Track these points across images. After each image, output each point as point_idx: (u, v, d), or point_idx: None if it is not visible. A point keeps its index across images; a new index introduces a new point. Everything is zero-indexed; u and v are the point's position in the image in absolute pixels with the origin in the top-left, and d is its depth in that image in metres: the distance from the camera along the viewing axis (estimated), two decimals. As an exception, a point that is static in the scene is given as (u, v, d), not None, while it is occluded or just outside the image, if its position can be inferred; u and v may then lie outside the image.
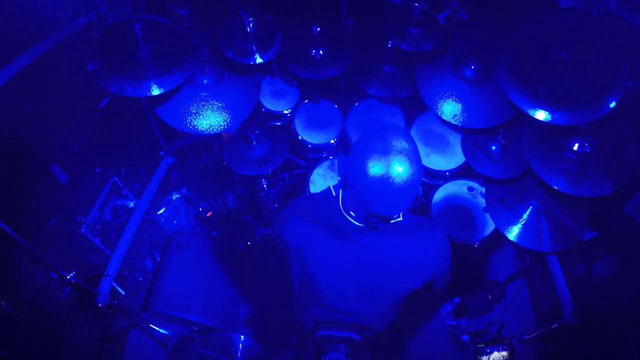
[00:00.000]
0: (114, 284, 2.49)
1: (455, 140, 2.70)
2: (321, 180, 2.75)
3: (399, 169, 1.24)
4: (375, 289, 1.64)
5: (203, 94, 2.47)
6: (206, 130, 2.44)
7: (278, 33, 2.49)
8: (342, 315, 1.78)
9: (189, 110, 2.44)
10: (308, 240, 1.59)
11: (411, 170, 1.25)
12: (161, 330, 2.84)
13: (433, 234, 1.59)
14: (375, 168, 1.25)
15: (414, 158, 1.27)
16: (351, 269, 1.58)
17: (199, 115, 2.45)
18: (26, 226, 2.26)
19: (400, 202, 1.32)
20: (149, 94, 2.13)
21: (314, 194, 1.71)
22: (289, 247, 1.63)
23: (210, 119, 2.46)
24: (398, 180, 1.25)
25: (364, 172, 1.27)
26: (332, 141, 2.80)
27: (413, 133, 2.77)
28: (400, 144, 1.26)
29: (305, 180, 2.82)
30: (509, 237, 2.37)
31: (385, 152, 1.25)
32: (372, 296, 1.68)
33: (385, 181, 1.24)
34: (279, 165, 2.64)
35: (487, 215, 2.52)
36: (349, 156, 1.35)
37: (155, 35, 2.25)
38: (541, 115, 2.02)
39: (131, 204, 3.12)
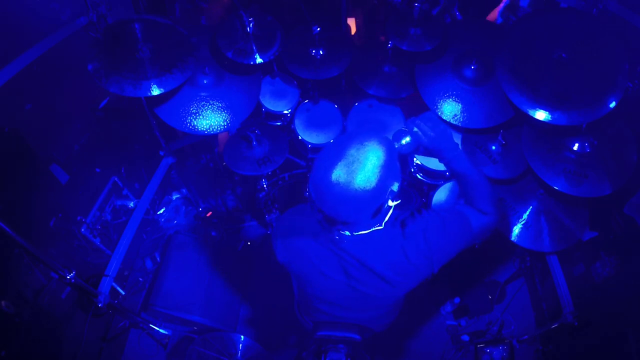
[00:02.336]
0: (114, 284, 2.48)
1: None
2: (321, 180, 2.75)
3: (342, 176, 1.20)
4: (370, 298, 1.62)
5: (203, 94, 2.47)
6: (206, 130, 2.45)
7: (278, 33, 2.49)
8: (341, 320, 1.78)
9: (189, 110, 2.44)
10: (297, 256, 1.58)
11: (357, 181, 1.20)
12: (161, 330, 2.84)
13: (422, 220, 1.49)
14: (323, 167, 1.24)
15: (370, 172, 1.21)
16: (342, 283, 1.56)
17: (199, 115, 2.45)
18: (26, 226, 2.26)
19: (345, 208, 1.26)
20: (149, 94, 2.13)
21: (302, 206, 1.68)
22: (282, 264, 1.64)
23: (210, 119, 2.46)
24: (338, 186, 1.21)
25: (316, 167, 1.27)
26: (332, 141, 2.80)
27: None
28: (359, 153, 1.22)
29: (305, 180, 2.82)
30: (509, 237, 2.37)
31: (338, 156, 1.22)
32: (368, 305, 1.67)
33: (328, 182, 1.22)
34: (279, 165, 2.64)
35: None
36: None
37: (155, 35, 2.25)
38: (541, 115, 2.02)
39: (131, 204, 3.12)
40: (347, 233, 1.41)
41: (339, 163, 1.21)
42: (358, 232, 1.41)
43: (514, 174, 2.40)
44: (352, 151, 1.22)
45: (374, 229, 1.41)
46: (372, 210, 1.31)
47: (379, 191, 1.26)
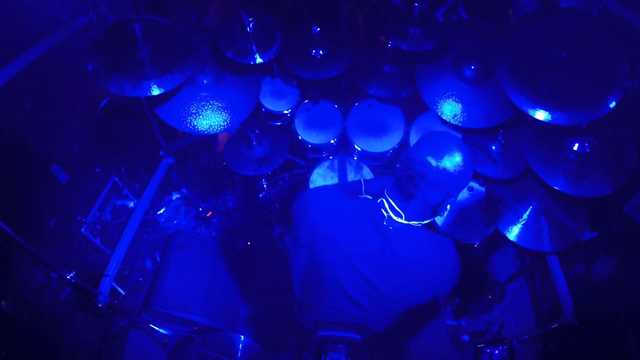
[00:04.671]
0: (114, 284, 2.49)
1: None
2: (321, 180, 2.75)
3: (454, 147, 1.42)
4: (382, 296, 1.62)
5: (203, 94, 2.47)
6: (206, 130, 2.45)
7: (278, 33, 2.49)
8: (343, 316, 1.77)
9: (189, 110, 2.44)
10: (324, 236, 1.59)
11: (463, 154, 1.43)
12: (161, 330, 2.84)
13: (447, 252, 1.60)
14: (435, 143, 1.44)
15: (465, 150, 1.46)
16: (363, 272, 1.58)
17: (199, 115, 2.45)
18: (26, 226, 2.26)
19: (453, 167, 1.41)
20: (149, 94, 2.13)
21: (340, 186, 1.70)
22: (302, 237, 1.65)
23: (210, 119, 2.46)
24: (452, 152, 1.41)
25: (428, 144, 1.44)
26: (332, 141, 2.80)
27: (413, 133, 2.77)
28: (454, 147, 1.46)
29: (305, 180, 2.82)
30: (509, 237, 2.37)
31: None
32: (378, 303, 1.67)
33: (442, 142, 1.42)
34: (279, 165, 2.64)
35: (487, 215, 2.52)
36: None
37: (155, 35, 2.25)
38: (541, 115, 2.02)
39: (131, 204, 3.12)
40: (402, 219, 1.49)
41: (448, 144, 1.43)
42: (412, 219, 1.51)
43: (514, 174, 2.40)
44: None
45: (416, 222, 1.52)
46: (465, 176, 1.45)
47: (471, 164, 1.45)
